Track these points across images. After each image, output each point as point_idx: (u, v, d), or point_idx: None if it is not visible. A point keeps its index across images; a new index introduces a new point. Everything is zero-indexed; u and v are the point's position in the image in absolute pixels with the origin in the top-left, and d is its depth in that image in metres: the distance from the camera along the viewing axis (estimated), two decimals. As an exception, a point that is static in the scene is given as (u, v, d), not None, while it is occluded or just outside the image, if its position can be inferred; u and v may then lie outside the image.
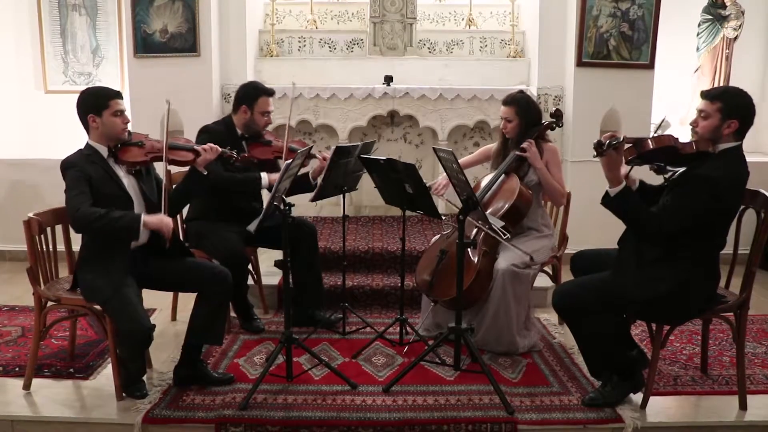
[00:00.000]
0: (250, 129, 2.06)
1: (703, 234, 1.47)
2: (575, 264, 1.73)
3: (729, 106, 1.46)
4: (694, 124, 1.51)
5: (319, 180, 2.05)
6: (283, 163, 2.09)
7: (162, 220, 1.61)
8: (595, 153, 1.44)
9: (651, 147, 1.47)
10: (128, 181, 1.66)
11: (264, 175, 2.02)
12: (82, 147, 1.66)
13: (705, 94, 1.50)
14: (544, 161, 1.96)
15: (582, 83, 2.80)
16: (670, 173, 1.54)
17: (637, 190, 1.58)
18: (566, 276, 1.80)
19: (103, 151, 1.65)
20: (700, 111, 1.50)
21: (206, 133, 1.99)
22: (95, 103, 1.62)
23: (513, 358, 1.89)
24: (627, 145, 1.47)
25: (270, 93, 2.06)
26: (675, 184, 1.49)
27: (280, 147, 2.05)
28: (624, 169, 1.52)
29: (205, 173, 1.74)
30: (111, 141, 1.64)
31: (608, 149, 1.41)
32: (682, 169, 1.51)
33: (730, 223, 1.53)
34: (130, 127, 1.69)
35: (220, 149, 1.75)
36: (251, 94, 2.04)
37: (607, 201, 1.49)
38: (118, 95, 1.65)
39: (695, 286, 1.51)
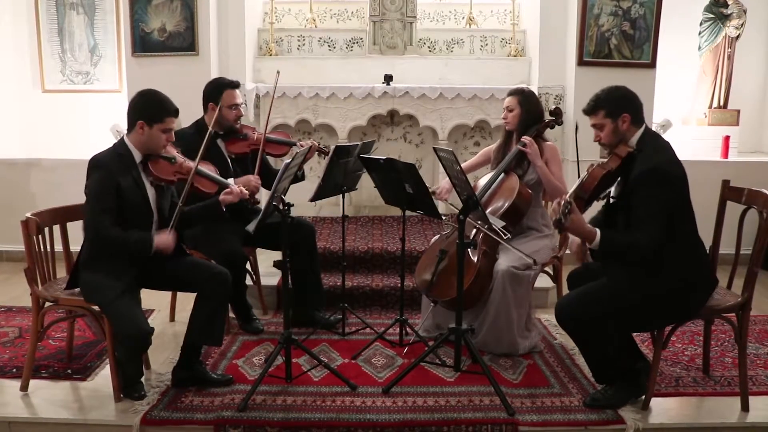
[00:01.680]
0: (223, 126, 2.04)
1: (677, 224, 1.46)
2: (571, 282, 1.72)
3: (610, 107, 1.52)
4: (597, 139, 1.55)
5: (307, 170, 2.04)
6: (267, 156, 2.07)
7: (167, 243, 1.60)
8: (559, 229, 1.47)
9: (592, 187, 1.49)
10: (151, 193, 1.65)
11: (231, 182, 1.91)
12: (117, 143, 1.63)
13: (586, 111, 1.56)
14: (544, 160, 1.95)
15: (583, 82, 2.78)
16: (612, 191, 1.55)
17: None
18: (566, 284, 1.78)
19: (137, 156, 1.62)
20: (593, 126, 1.55)
21: (179, 140, 1.94)
22: (151, 113, 1.60)
23: (513, 359, 1.88)
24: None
25: (234, 85, 2.04)
26: (624, 196, 1.49)
27: (257, 140, 2.04)
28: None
29: (224, 209, 1.73)
30: (147, 151, 1.63)
31: (568, 216, 1.42)
32: (617, 183, 1.53)
33: (690, 204, 1.52)
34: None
35: (247, 195, 1.74)
36: (215, 90, 2.02)
37: (597, 256, 1.51)
38: (176, 114, 1.63)
39: (691, 275, 1.50)
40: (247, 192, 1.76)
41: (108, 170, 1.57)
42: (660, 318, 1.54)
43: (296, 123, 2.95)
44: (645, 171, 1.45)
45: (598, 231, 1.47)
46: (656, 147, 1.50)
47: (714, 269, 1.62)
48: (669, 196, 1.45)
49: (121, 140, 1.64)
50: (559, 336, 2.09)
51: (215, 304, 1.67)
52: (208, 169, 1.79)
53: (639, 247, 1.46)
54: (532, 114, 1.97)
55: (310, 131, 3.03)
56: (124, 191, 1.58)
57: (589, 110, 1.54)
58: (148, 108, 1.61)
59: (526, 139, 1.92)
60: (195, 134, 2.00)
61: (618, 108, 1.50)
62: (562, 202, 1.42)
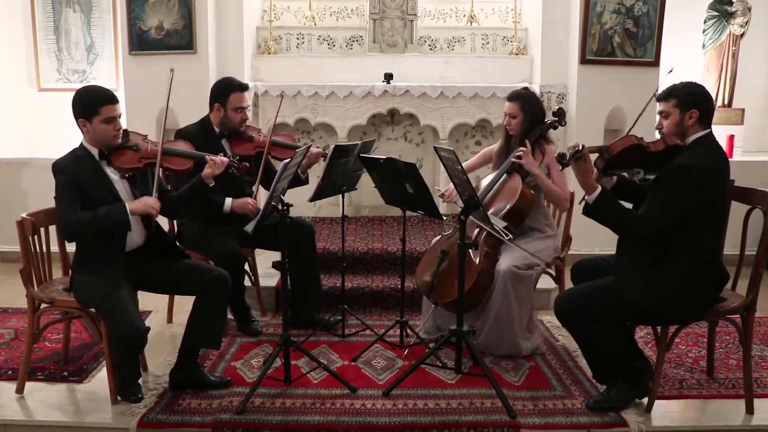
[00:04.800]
0: (227, 127, 2.01)
1: (694, 227, 1.45)
2: (576, 274, 1.71)
3: (683, 99, 1.50)
4: (659, 126, 1.54)
5: (309, 173, 2.01)
6: (272, 159, 2.04)
7: (146, 203, 1.57)
8: (560, 163, 1.46)
9: (618, 149, 1.47)
10: (121, 186, 1.62)
11: (228, 202, 1.92)
12: (77, 146, 1.62)
13: (659, 97, 1.54)
14: (545, 164, 1.92)
15: (586, 81, 2.76)
16: (649, 179, 1.54)
17: (615, 186, 1.57)
18: (569, 277, 1.77)
19: (96, 154, 1.61)
20: (660, 112, 1.54)
21: (182, 137, 1.93)
22: (86, 108, 1.57)
23: (515, 361, 1.86)
24: (594, 155, 1.48)
25: (243, 88, 2.00)
26: (655, 182, 1.49)
27: (263, 142, 2.01)
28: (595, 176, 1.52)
29: (212, 185, 1.70)
30: (102, 146, 1.60)
31: (571, 159, 1.43)
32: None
33: (720, 213, 1.51)
34: (126, 125, 1.65)
35: (227, 162, 1.71)
36: (222, 91, 1.98)
37: (587, 209, 1.49)
38: (110, 100, 1.58)
39: (698, 284, 1.48)
40: (227, 160, 1.71)
41: (66, 172, 1.56)
42: (658, 317, 1.53)
43: (295, 122, 2.92)
44: (680, 165, 1.44)
45: (600, 187, 1.47)
46: (707, 153, 1.48)
47: (723, 284, 1.58)
48: (688, 197, 1.42)
49: (80, 143, 1.62)
50: (562, 338, 2.07)
51: (214, 306, 1.65)
52: (182, 147, 1.73)
53: (630, 223, 1.46)
54: (535, 117, 1.93)
55: (310, 130, 3.01)
56: (88, 190, 1.56)
57: (662, 96, 1.52)
58: (82, 104, 1.58)
59: (520, 150, 1.89)
60: (199, 132, 1.97)
61: (689, 102, 1.49)
62: (580, 146, 1.42)
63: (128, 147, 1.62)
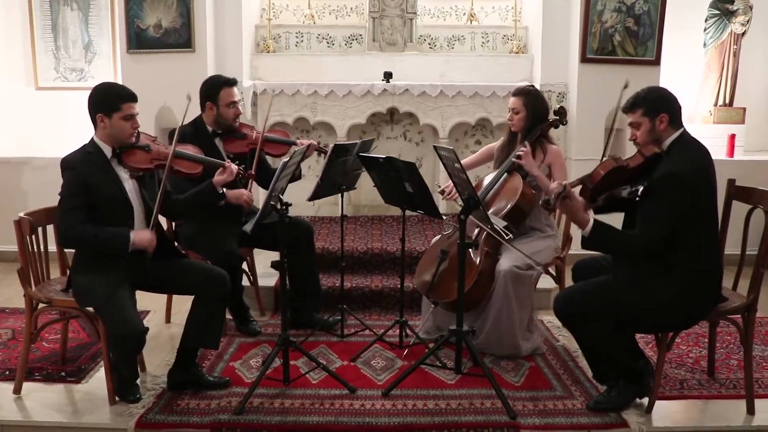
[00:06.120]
0: (221, 125, 2.01)
1: (688, 232, 1.45)
2: (577, 274, 1.71)
3: (650, 105, 1.50)
4: (633, 137, 1.54)
5: (305, 169, 2.01)
6: (266, 156, 2.03)
7: (149, 240, 1.58)
8: (546, 209, 1.46)
9: (600, 177, 1.47)
10: (130, 185, 1.62)
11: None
12: (87, 143, 1.62)
13: (624, 109, 1.54)
14: (547, 163, 1.92)
15: (586, 80, 2.75)
16: (637, 189, 1.53)
17: (604, 207, 1.56)
18: (570, 277, 1.76)
19: (108, 151, 1.60)
20: (630, 124, 1.53)
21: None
22: (107, 103, 1.57)
23: (515, 361, 1.86)
24: (578, 188, 1.48)
25: (231, 83, 2.00)
26: (644, 196, 1.48)
27: (255, 139, 2.01)
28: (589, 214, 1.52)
29: (221, 192, 1.70)
30: (117, 143, 1.60)
31: (557, 201, 1.43)
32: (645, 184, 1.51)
33: (712, 213, 1.51)
34: None
35: (236, 171, 1.71)
36: (212, 89, 1.99)
37: (585, 243, 1.50)
38: (132, 98, 1.59)
39: (695, 289, 1.48)
40: (236, 168, 1.72)
41: (75, 170, 1.55)
42: (657, 324, 1.53)
43: (294, 121, 2.91)
44: (664, 174, 1.44)
45: (592, 219, 1.47)
46: (686, 153, 1.47)
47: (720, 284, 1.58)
48: (680, 204, 1.42)
49: (91, 139, 1.62)
50: (562, 338, 2.06)
51: (213, 306, 1.65)
52: (191, 151, 1.74)
53: (628, 244, 1.46)
54: (537, 114, 1.94)
55: (309, 129, 3.00)
56: (97, 189, 1.55)
57: (628, 108, 1.52)
58: (103, 99, 1.58)
59: (520, 150, 1.88)
60: (193, 134, 1.97)
61: (656, 107, 1.48)
62: (562, 185, 1.42)
63: (140, 147, 1.62)
